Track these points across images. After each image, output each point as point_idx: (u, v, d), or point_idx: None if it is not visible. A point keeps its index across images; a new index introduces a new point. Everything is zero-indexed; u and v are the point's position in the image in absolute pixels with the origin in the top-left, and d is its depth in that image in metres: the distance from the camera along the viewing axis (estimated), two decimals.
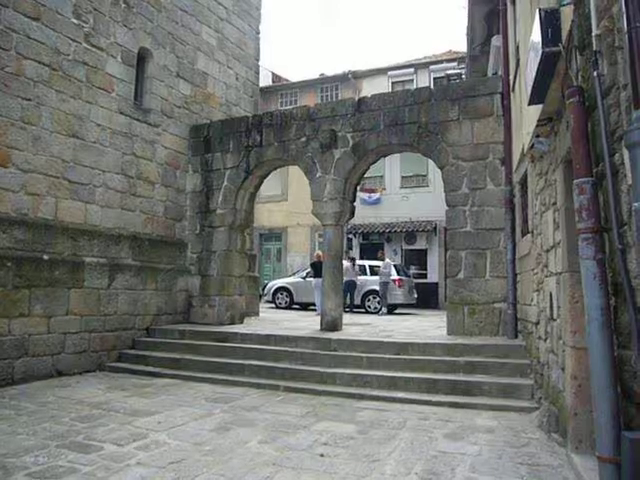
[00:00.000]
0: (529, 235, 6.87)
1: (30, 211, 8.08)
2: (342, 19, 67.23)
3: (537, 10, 4.01)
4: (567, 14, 3.83)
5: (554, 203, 5.00)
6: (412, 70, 23.35)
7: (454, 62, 21.64)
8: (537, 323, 6.21)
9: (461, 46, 20.47)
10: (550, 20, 3.87)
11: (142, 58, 10.36)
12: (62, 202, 8.58)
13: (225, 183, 10.80)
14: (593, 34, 3.18)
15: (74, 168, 8.79)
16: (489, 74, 12.17)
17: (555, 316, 5.03)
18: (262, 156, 10.44)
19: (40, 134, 8.25)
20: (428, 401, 6.39)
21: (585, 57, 3.49)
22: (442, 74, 20.23)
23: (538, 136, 5.32)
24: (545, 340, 5.65)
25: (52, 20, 8.44)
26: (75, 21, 8.84)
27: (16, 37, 7.90)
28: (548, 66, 4.04)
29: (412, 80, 23.04)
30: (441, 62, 22.74)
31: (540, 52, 3.91)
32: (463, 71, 17.85)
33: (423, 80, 22.50)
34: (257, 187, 11.18)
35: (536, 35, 4.06)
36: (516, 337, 7.86)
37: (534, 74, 4.26)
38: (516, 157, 7.80)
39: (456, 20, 54.47)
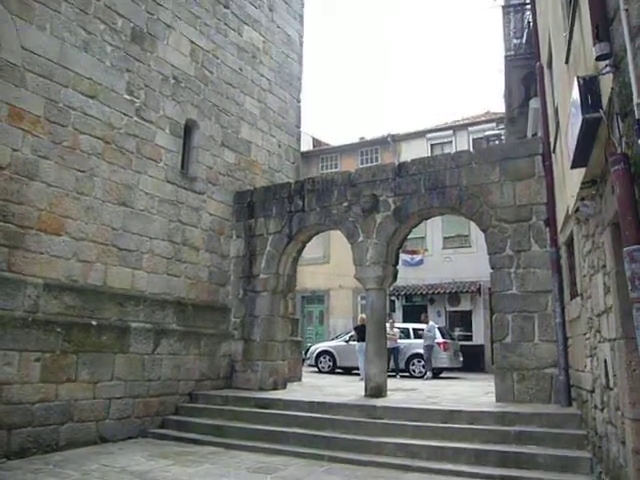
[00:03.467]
0: (578, 298, 6.66)
1: (80, 278, 8.35)
2: (381, 83, 69.12)
3: (575, 78, 4.04)
4: (606, 81, 3.84)
5: (603, 266, 4.85)
6: (451, 132, 23.64)
7: (492, 123, 21.81)
8: (592, 391, 5.92)
9: (499, 107, 20.60)
10: (589, 87, 3.88)
11: (189, 129, 10.83)
12: (111, 268, 8.85)
13: (268, 248, 10.94)
14: (634, 102, 3.18)
15: (123, 235, 9.11)
16: (528, 135, 12.19)
17: (611, 385, 4.79)
18: (304, 221, 10.59)
19: (92, 204, 8.62)
20: (478, 474, 6.11)
21: (627, 123, 3.47)
22: (481, 135, 20.41)
23: (583, 199, 5.25)
24: (602, 410, 5.36)
25: (107, 97, 8.98)
26: (127, 97, 9.38)
27: (74, 114, 8.42)
28: (589, 131, 4.03)
29: (451, 142, 23.27)
30: (479, 123, 22.96)
31: (580, 118, 3.92)
32: (502, 132, 17.95)
33: (462, 142, 22.70)
34: (300, 251, 11.30)
35: (575, 101, 4.08)
36: (570, 405, 7.50)
37: (576, 138, 4.24)
38: (561, 218, 7.68)
39: (493, 81, 55.33)
